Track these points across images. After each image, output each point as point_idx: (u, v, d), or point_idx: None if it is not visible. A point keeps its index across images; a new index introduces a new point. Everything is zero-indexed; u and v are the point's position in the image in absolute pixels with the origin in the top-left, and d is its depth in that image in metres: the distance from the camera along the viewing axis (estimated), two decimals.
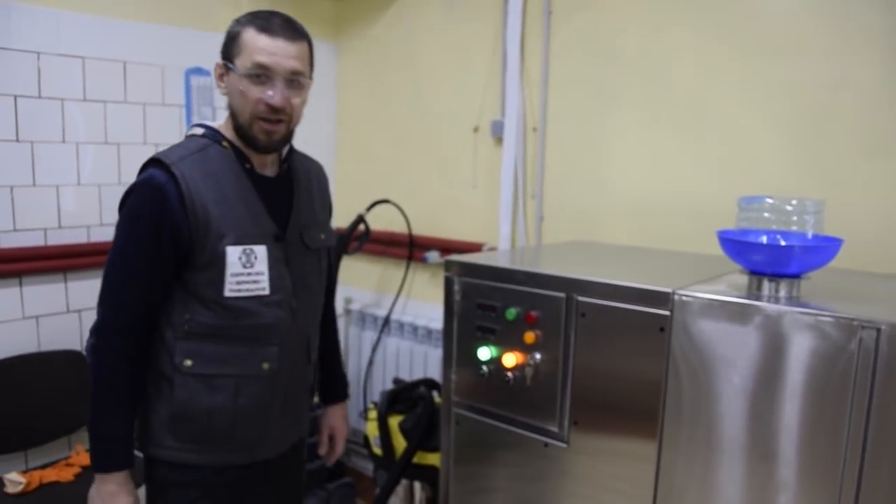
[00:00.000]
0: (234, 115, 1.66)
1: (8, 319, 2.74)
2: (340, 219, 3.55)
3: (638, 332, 1.69)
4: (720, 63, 2.36)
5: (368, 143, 3.60)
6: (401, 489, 2.98)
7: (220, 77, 1.67)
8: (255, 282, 1.66)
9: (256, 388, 1.71)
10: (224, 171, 1.65)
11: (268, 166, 1.74)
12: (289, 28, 1.63)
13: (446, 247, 3.18)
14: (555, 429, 1.87)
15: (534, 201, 2.89)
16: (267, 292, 1.68)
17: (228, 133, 1.69)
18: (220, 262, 1.62)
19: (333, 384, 2.16)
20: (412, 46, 3.33)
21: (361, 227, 3.29)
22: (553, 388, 1.85)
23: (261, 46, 1.59)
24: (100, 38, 2.87)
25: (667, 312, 1.64)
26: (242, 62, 1.59)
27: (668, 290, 1.64)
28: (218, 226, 1.61)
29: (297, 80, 1.64)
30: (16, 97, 2.71)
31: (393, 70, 3.44)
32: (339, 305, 3.59)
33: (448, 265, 2.07)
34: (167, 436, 1.69)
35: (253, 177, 1.70)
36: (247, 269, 1.64)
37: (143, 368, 1.68)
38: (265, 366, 1.70)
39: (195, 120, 3.00)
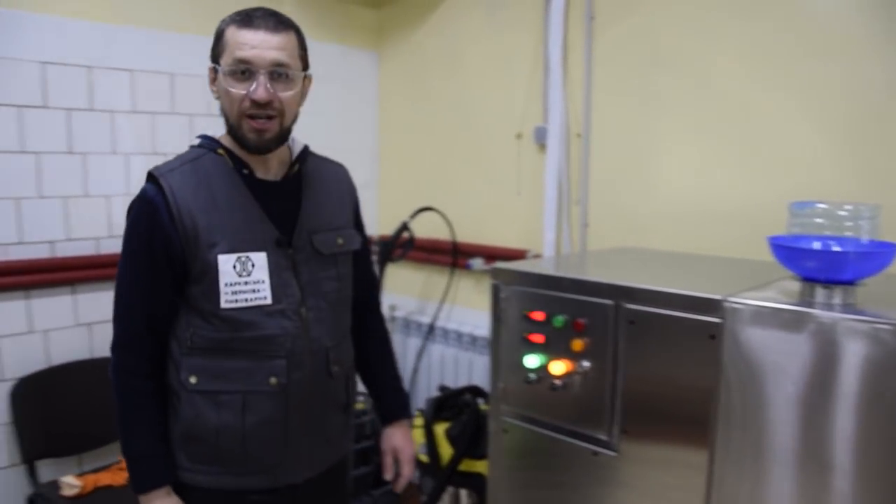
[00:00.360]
0: (225, 118, 1.60)
1: (63, 326, 2.81)
2: (384, 226, 3.58)
3: (688, 339, 1.67)
4: (769, 65, 2.32)
5: (411, 150, 3.62)
6: (447, 496, 2.98)
7: (212, 81, 1.60)
8: (253, 291, 1.58)
9: (265, 404, 1.61)
10: (217, 178, 1.59)
11: (272, 170, 1.67)
12: (271, 19, 1.55)
13: (490, 254, 3.18)
14: (604, 437, 1.86)
15: (578, 208, 2.87)
16: (268, 301, 1.59)
17: (227, 141, 1.64)
18: (212, 272, 1.55)
19: (388, 401, 1.99)
20: (454, 54, 3.35)
21: (406, 234, 3.30)
22: (602, 395, 1.84)
23: (241, 41, 1.52)
24: (147, 50, 2.93)
25: (718, 320, 1.62)
26: (225, 60, 1.53)
27: (719, 297, 1.62)
28: (208, 235, 1.55)
29: (283, 73, 1.55)
30: (69, 110, 2.78)
31: (435, 77, 3.45)
32: (385, 312, 3.60)
33: (495, 273, 2.07)
34: (181, 455, 1.63)
35: (252, 182, 1.62)
36: (243, 278, 1.57)
37: (159, 382, 1.64)
38: (272, 380, 1.61)
39: None
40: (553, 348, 1.93)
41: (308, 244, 1.67)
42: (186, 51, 3.03)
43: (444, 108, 3.42)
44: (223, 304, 1.56)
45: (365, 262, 1.94)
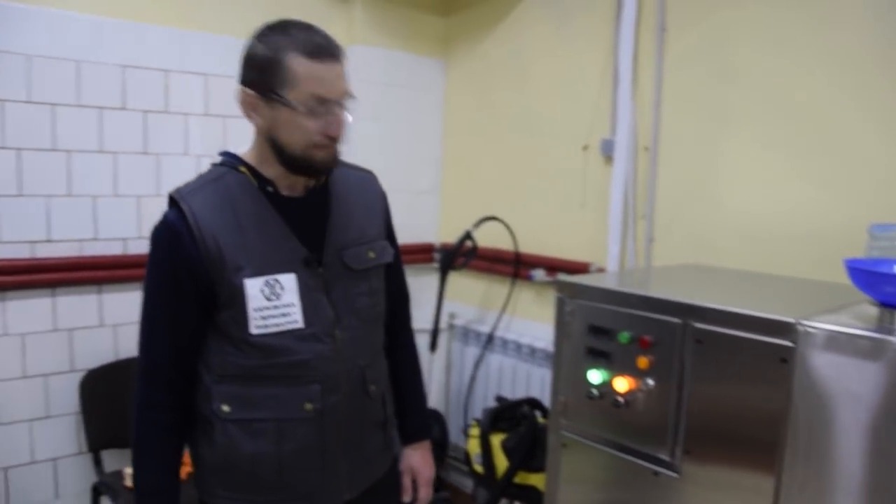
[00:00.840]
0: (278, 147, 1.49)
1: (131, 322, 2.89)
2: (447, 234, 3.60)
3: (758, 362, 1.63)
4: (848, 79, 2.25)
5: (475, 159, 3.62)
6: None
7: (252, 107, 1.48)
8: (284, 315, 1.50)
9: (302, 431, 1.55)
10: (241, 197, 1.51)
11: (297, 186, 1.58)
12: (332, 44, 1.47)
13: (552, 265, 3.16)
14: (666, 457, 1.82)
15: (644, 222, 2.83)
16: (300, 325, 1.52)
17: (252, 158, 1.55)
18: (240, 297, 1.48)
19: (410, 422, 1.89)
20: (521, 63, 3.34)
21: (468, 243, 3.30)
22: (665, 415, 1.81)
23: (317, 76, 1.43)
24: (220, 55, 3.00)
25: (790, 343, 1.57)
26: (297, 96, 1.43)
27: (792, 319, 1.57)
28: (233, 257, 1.47)
29: (348, 104, 1.51)
30: (146, 112, 2.87)
31: (501, 87, 3.45)
32: (444, 320, 3.62)
33: (560, 286, 2.05)
34: (216, 484, 1.57)
35: (277, 200, 1.54)
36: (272, 302, 1.49)
37: (184, 415, 1.57)
38: (308, 406, 1.54)
39: None
40: (617, 364, 1.90)
41: (338, 261, 1.59)
42: None
43: (509, 117, 3.41)
44: (253, 331, 1.49)
45: (397, 273, 1.84)
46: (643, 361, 1.83)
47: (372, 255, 1.66)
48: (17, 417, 2.69)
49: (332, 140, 1.49)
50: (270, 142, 1.50)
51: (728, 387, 1.70)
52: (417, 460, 1.88)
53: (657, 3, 2.73)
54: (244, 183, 1.53)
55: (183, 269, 1.48)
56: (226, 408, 1.53)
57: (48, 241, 2.70)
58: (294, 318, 1.51)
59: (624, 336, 1.86)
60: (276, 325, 1.50)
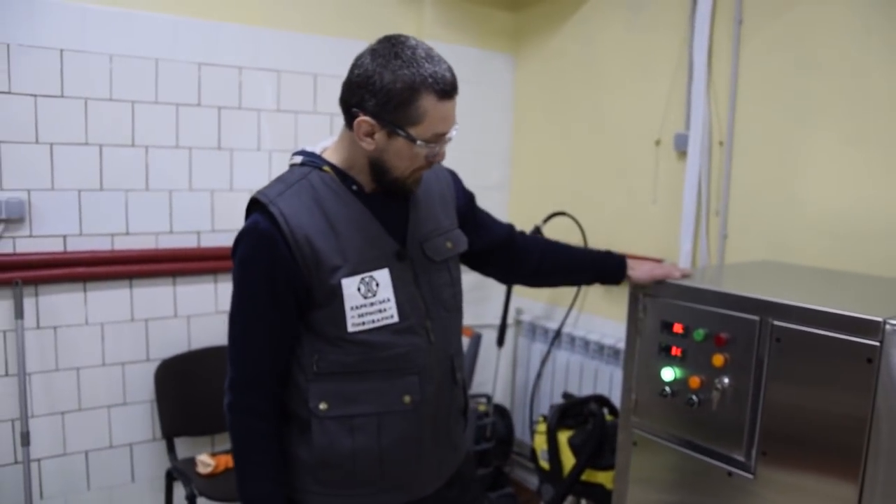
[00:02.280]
0: (381, 168, 1.50)
1: (204, 313, 2.97)
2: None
3: (841, 362, 1.57)
4: None
5: (545, 154, 3.59)
6: None
7: (368, 133, 1.45)
8: (380, 311, 1.51)
9: (401, 423, 1.56)
10: (329, 197, 1.51)
11: (376, 183, 1.56)
12: (454, 77, 1.46)
13: None
14: (740, 458, 1.78)
15: (718, 218, 2.77)
16: (396, 320, 1.53)
17: (338, 160, 1.55)
18: (337, 297, 1.48)
19: (603, 257, 2.00)
20: (592, 57, 3.30)
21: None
22: (741, 414, 1.76)
23: (443, 116, 1.45)
24: (292, 52, 3.05)
25: (876, 343, 1.51)
26: (421, 133, 1.43)
27: (879, 318, 1.51)
28: (329, 259, 1.47)
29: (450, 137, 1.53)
30: (220, 108, 2.93)
31: (572, 81, 3.41)
32: (511, 316, 3.60)
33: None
34: (311, 481, 1.57)
35: (363, 197, 1.54)
36: (368, 300, 1.50)
37: (281, 419, 1.57)
38: (406, 399, 1.55)
39: None
40: (691, 362, 1.86)
41: (421, 253, 1.60)
42: (329, 52, 3.13)
43: (580, 112, 3.37)
44: (350, 328, 1.50)
45: (491, 223, 1.89)
46: (718, 359, 1.78)
47: (449, 245, 1.66)
48: (97, 403, 2.79)
49: (431, 165, 1.53)
50: (374, 162, 1.49)
51: (808, 387, 1.64)
52: (645, 264, 2.04)
53: None
54: (330, 182, 1.52)
55: (280, 275, 1.46)
56: (323, 405, 1.52)
57: (127, 233, 2.78)
58: (390, 312, 1.52)
59: (699, 333, 1.82)
60: (373, 321, 1.51)
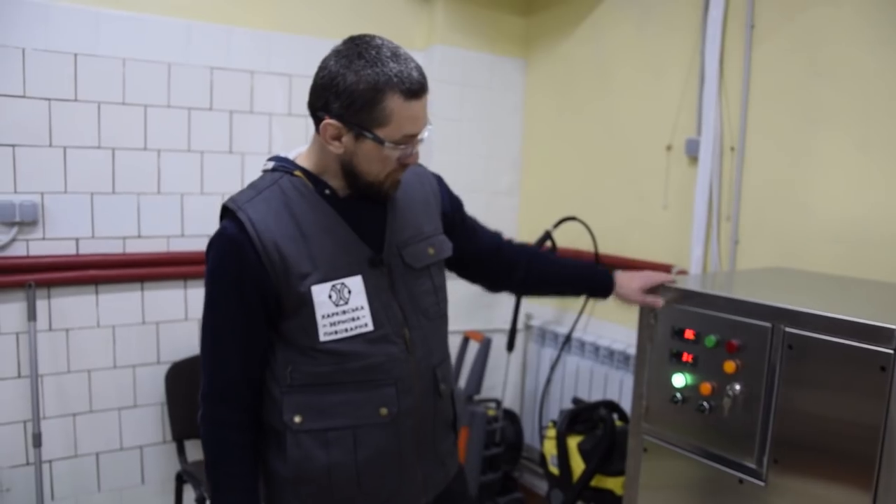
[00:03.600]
0: (352, 172, 1.45)
1: None
2: (526, 235, 3.57)
3: (854, 369, 1.56)
4: None
5: (556, 159, 3.59)
6: None
7: (335, 136, 1.41)
8: (353, 319, 1.45)
9: (377, 436, 1.49)
10: (299, 202, 1.45)
11: (351, 188, 1.51)
12: (423, 76, 1.41)
13: (633, 267, 3.08)
14: (752, 465, 1.76)
15: (729, 224, 2.76)
16: (370, 328, 1.46)
17: (311, 165, 1.49)
18: (307, 305, 1.43)
19: (591, 271, 1.99)
20: (603, 62, 3.30)
21: (548, 243, 3.28)
22: (753, 421, 1.75)
23: (412, 116, 1.40)
24: (304, 56, 3.06)
25: (889, 350, 1.50)
26: (390, 134, 1.39)
27: (892, 326, 1.50)
28: (298, 265, 1.42)
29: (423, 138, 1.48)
30: (231, 112, 2.94)
31: (583, 86, 3.41)
32: (521, 321, 3.59)
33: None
34: (290, 496, 1.52)
35: (335, 202, 1.48)
36: (340, 307, 1.44)
37: (255, 431, 1.52)
38: (383, 411, 1.49)
39: None
40: (702, 368, 1.85)
41: (399, 260, 1.53)
42: None
43: (591, 117, 3.37)
44: (322, 338, 1.44)
45: (476, 229, 1.84)
46: (730, 366, 1.78)
47: (431, 251, 1.61)
48: (108, 406, 2.80)
49: (405, 168, 1.49)
50: (345, 166, 1.45)
51: (821, 394, 1.63)
52: (629, 276, 1.95)
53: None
54: (301, 187, 1.47)
55: (248, 282, 1.42)
56: (297, 419, 1.47)
57: (138, 237, 2.80)
58: (363, 321, 1.46)
59: (710, 339, 1.81)
60: (346, 330, 1.45)
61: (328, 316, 1.43)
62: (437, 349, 1.62)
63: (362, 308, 1.46)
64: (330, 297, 1.43)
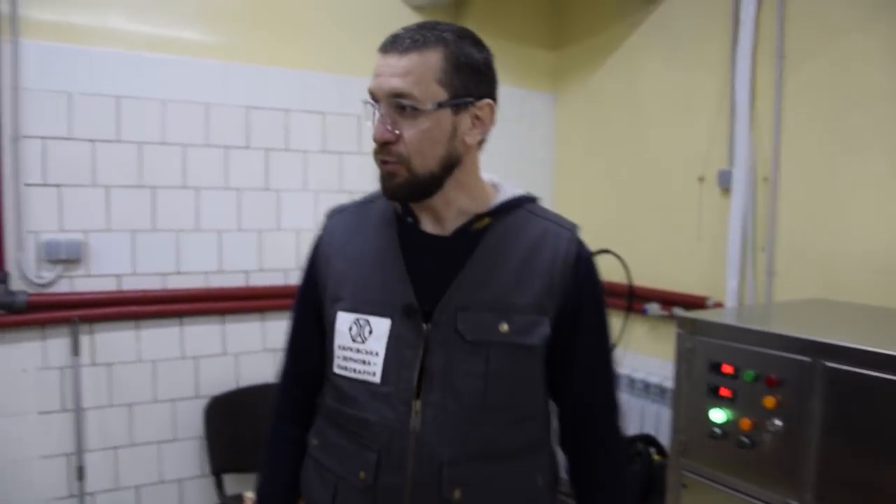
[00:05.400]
0: None
1: (252, 351, 3.01)
2: None
3: None
4: None
5: (588, 191, 3.60)
6: None
7: None
8: (363, 362, 1.29)
9: (355, 499, 1.30)
10: (376, 225, 1.36)
11: (446, 222, 1.32)
12: (406, 39, 1.21)
13: (667, 299, 3.10)
14: (794, 503, 1.74)
15: (764, 255, 2.74)
16: (376, 380, 1.28)
17: None
18: (332, 329, 1.34)
19: None
20: (633, 94, 3.32)
21: None
22: (795, 458, 1.74)
23: (377, 70, 1.23)
24: (337, 94, 3.14)
25: None
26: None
27: None
28: (335, 287, 1.35)
29: (405, 105, 1.21)
30: (267, 150, 3.00)
31: (613, 118, 3.43)
32: None
33: (680, 321, 2.02)
34: None
35: (410, 233, 1.32)
36: (356, 344, 1.30)
37: (306, 427, 1.45)
38: (361, 475, 1.28)
39: None
40: (741, 403, 1.85)
41: (451, 321, 1.27)
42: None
43: (622, 149, 3.39)
44: (334, 368, 1.34)
45: (586, 375, 1.37)
46: (770, 401, 1.77)
47: (504, 328, 1.27)
48: (148, 439, 2.84)
49: (379, 148, 1.25)
50: None
51: (865, 431, 1.62)
52: None
53: (776, 30, 2.67)
54: (388, 210, 1.36)
55: (310, 283, 1.42)
56: (315, 441, 1.41)
57: (178, 273, 2.85)
58: (373, 369, 1.29)
59: (749, 374, 1.81)
60: (355, 370, 1.31)
61: (343, 348, 1.32)
62: (460, 446, 1.26)
63: (376, 354, 1.29)
64: (350, 329, 1.32)
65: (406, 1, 3.28)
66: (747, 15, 2.74)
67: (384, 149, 1.23)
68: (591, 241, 3.35)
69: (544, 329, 1.29)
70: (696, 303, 2.93)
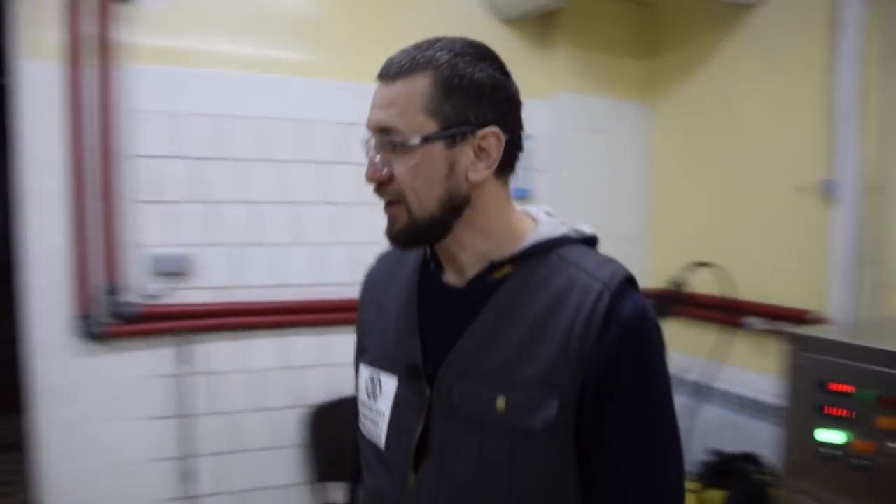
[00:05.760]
0: None
1: (349, 362, 3.04)
2: (655, 280, 3.50)
3: None
4: None
5: (684, 203, 3.53)
6: None
7: None
8: (374, 422, 1.16)
9: None
10: (404, 272, 1.22)
11: (465, 271, 1.13)
12: (396, 63, 1.07)
13: (767, 312, 3.00)
14: None
15: (872, 267, 2.63)
16: (381, 444, 1.15)
17: None
18: (356, 381, 1.25)
19: None
20: (730, 102, 3.24)
21: (680, 289, 3.21)
22: None
23: (373, 101, 1.09)
24: None
25: None
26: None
27: None
28: (364, 335, 1.26)
29: (392, 141, 1.06)
30: (362, 166, 3.05)
31: (710, 127, 3.36)
32: None
33: (788, 338, 1.96)
34: None
35: (431, 281, 1.17)
36: (370, 402, 1.18)
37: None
38: None
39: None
40: (854, 423, 1.78)
41: (446, 392, 1.08)
42: None
43: (719, 158, 3.31)
44: (360, 418, 1.22)
45: (619, 470, 1.06)
46: (886, 422, 1.70)
47: (501, 405, 1.04)
48: (252, 446, 2.94)
49: (376, 190, 1.12)
50: None
51: None
52: None
53: (883, 29, 2.56)
54: (417, 257, 1.22)
55: (357, 328, 1.33)
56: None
57: (278, 285, 2.95)
58: (380, 431, 1.15)
59: (865, 394, 1.74)
60: (368, 430, 1.18)
61: (362, 403, 1.21)
62: None
63: (383, 416, 1.14)
64: (367, 384, 1.19)
65: (497, 15, 3.29)
66: (851, 15, 2.64)
67: (379, 189, 1.10)
68: (686, 251, 3.34)
69: (549, 412, 1.02)
70: (797, 316, 2.83)
